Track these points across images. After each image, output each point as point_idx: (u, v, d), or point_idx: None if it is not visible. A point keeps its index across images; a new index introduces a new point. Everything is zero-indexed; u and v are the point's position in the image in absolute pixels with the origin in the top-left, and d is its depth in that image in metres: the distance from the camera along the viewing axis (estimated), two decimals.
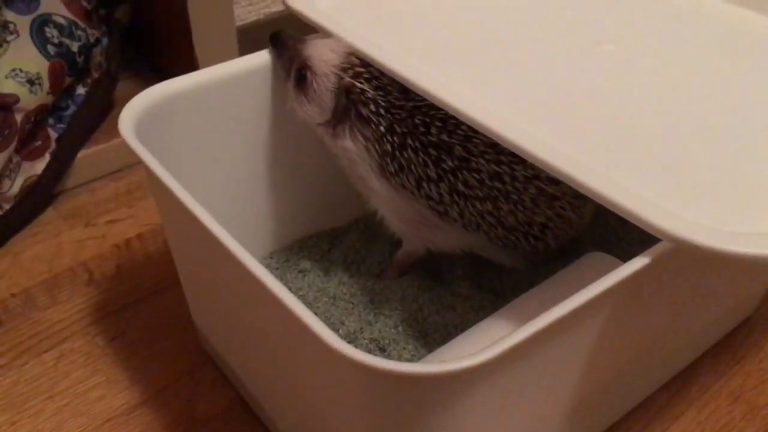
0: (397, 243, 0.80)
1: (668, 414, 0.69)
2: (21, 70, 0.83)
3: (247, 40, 1.03)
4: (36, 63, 0.84)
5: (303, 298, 0.75)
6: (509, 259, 0.72)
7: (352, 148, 0.65)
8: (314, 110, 0.65)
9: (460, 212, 0.65)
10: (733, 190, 0.51)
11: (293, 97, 0.66)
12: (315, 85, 0.64)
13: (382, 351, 0.70)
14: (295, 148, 0.74)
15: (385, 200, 0.67)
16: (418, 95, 0.60)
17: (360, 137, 0.64)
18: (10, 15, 0.83)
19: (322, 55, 0.64)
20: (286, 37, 0.67)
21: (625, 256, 0.49)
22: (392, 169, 0.64)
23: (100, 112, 0.97)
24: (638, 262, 0.47)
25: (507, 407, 0.51)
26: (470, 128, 0.59)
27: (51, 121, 0.90)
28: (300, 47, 0.65)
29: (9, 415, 0.67)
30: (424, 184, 0.64)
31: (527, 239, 0.67)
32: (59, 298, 0.78)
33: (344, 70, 0.63)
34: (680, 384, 0.71)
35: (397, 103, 0.62)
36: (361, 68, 0.63)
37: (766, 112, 0.58)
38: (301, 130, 0.72)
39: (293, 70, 0.66)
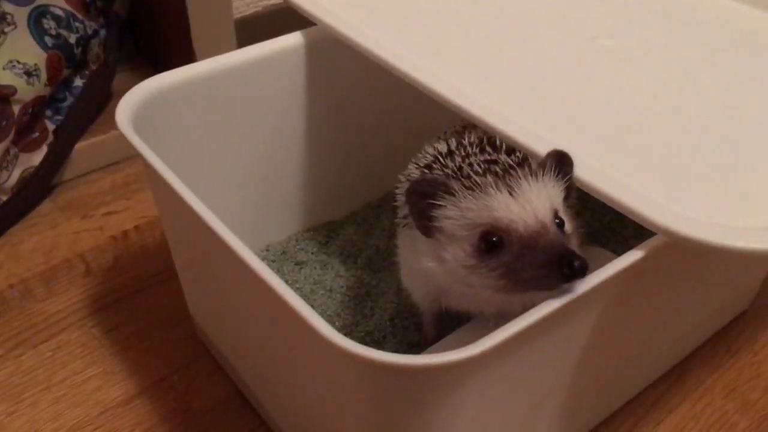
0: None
1: (662, 407, 0.69)
2: (18, 62, 0.82)
3: (245, 32, 1.02)
4: (33, 54, 0.84)
5: (299, 291, 0.75)
6: None
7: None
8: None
9: None
10: (727, 185, 0.51)
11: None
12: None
13: (378, 344, 0.70)
14: (292, 141, 0.75)
15: None
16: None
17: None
18: (8, 6, 0.83)
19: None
20: None
21: (621, 251, 0.49)
22: None
23: (98, 104, 0.97)
24: (633, 256, 0.47)
25: (502, 399, 0.51)
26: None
27: (48, 112, 0.90)
28: None
29: (6, 405, 0.67)
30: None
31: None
32: (56, 290, 0.78)
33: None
34: (675, 377, 0.72)
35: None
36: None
37: (761, 108, 0.59)
38: (298, 123, 0.72)
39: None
